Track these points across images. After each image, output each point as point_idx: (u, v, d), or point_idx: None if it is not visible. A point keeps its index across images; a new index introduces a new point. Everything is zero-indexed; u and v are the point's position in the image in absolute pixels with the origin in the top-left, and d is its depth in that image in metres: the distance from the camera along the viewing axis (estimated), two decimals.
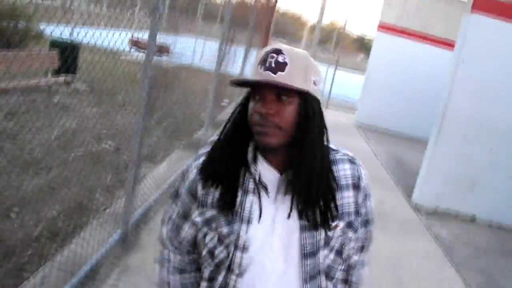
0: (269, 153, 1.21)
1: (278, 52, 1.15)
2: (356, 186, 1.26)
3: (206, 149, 1.29)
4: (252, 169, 1.20)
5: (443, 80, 10.99)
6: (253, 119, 1.16)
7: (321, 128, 1.19)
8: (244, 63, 9.65)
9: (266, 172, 1.21)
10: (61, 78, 8.04)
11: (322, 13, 18.88)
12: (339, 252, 1.25)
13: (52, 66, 8.19)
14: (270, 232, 1.19)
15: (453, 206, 6.30)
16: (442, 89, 10.92)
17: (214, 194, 1.22)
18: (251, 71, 1.21)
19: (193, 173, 1.27)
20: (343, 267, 1.28)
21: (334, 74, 16.25)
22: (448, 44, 11.93)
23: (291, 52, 1.17)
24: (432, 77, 11.70)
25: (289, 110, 1.14)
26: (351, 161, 1.28)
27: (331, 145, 1.28)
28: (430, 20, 12.23)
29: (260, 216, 1.19)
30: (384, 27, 12.42)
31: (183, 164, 5.52)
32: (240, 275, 1.19)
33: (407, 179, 7.75)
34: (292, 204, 1.17)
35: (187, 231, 1.30)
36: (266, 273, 1.19)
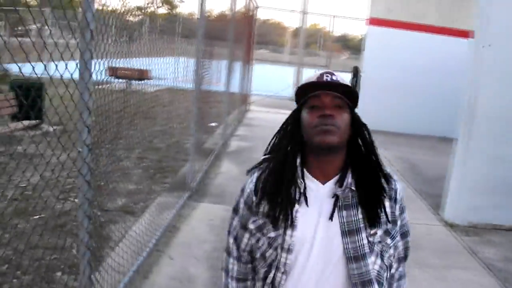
0: (316, 164, 1.38)
1: (331, 73, 1.35)
2: (392, 198, 1.39)
3: (258, 163, 1.47)
4: (299, 182, 1.35)
5: (447, 71, 10.21)
6: (313, 123, 1.31)
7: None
8: (229, 77, 8.74)
9: (311, 183, 1.37)
10: (24, 123, 7.05)
11: (304, 17, 18.15)
12: (382, 259, 1.35)
13: (9, 111, 7.18)
14: (312, 236, 1.33)
15: (493, 218, 5.34)
16: (447, 81, 10.12)
17: (265, 205, 1.38)
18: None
19: (249, 187, 1.44)
20: (388, 275, 1.39)
21: None
22: (444, 31, 11.16)
23: (342, 75, 1.37)
24: (435, 69, 10.84)
25: (345, 115, 1.33)
26: (388, 175, 1.41)
27: None
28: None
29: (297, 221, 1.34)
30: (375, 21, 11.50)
31: (169, 214, 4.52)
32: (285, 273, 1.35)
33: (428, 188, 6.79)
34: (334, 206, 1.33)
35: (247, 241, 1.46)
36: (307, 272, 1.33)
